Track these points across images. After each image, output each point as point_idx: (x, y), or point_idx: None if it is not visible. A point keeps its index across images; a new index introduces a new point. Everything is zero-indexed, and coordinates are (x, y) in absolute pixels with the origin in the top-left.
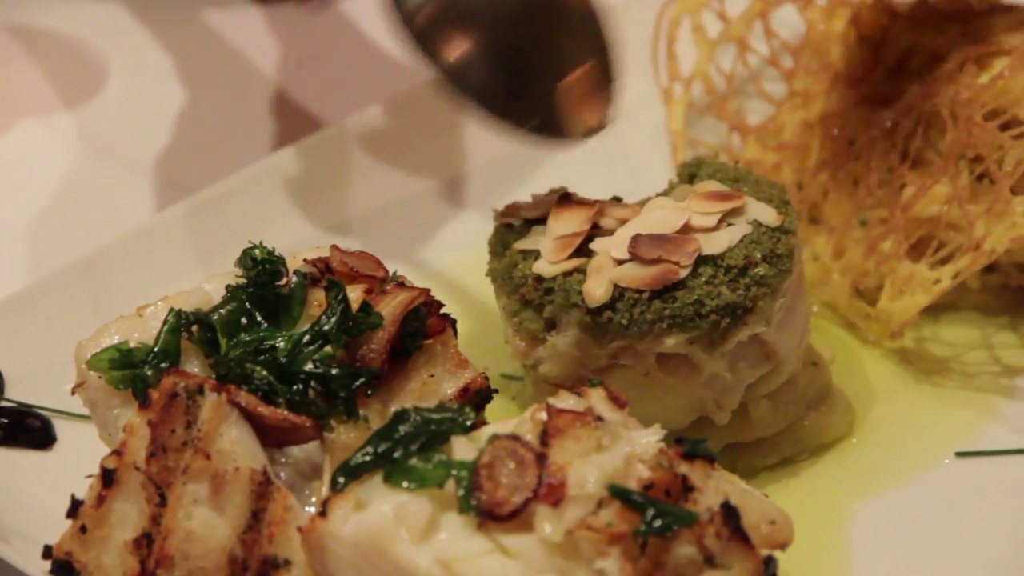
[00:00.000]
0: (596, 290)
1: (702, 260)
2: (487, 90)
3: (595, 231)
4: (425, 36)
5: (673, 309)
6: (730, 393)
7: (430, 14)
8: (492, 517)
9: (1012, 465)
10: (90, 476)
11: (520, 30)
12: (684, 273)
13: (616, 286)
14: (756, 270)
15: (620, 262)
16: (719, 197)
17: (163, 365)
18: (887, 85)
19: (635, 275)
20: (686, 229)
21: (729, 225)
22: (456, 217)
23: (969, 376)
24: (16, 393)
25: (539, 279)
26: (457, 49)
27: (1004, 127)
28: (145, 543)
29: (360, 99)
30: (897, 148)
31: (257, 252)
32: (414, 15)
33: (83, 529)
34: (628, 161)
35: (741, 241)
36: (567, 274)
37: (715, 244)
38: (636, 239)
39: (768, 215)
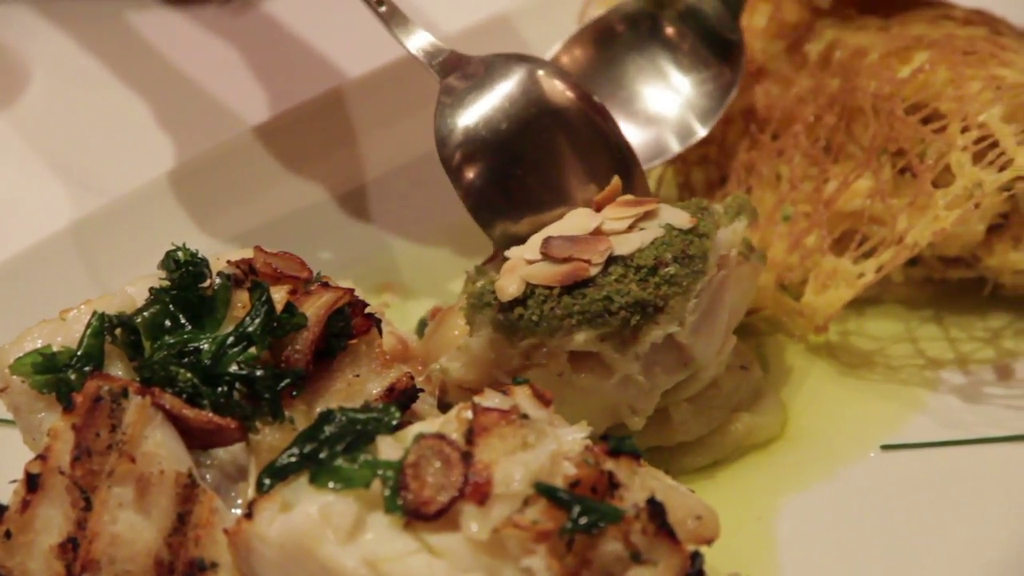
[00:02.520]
0: (508, 287)
1: (613, 260)
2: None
3: None
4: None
5: (583, 305)
6: (645, 398)
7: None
8: (418, 516)
9: (937, 457)
10: (14, 481)
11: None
12: (595, 271)
13: (527, 283)
14: (666, 269)
15: (532, 262)
16: (633, 203)
17: (87, 369)
18: (809, 79)
19: (545, 272)
20: (598, 232)
21: (642, 229)
22: (380, 217)
23: (894, 369)
24: None
25: None
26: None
27: (925, 121)
28: (71, 548)
29: (282, 100)
30: (819, 143)
31: (180, 254)
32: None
33: (8, 535)
34: None
35: (652, 243)
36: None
37: (626, 245)
38: (547, 240)
39: (681, 219)
